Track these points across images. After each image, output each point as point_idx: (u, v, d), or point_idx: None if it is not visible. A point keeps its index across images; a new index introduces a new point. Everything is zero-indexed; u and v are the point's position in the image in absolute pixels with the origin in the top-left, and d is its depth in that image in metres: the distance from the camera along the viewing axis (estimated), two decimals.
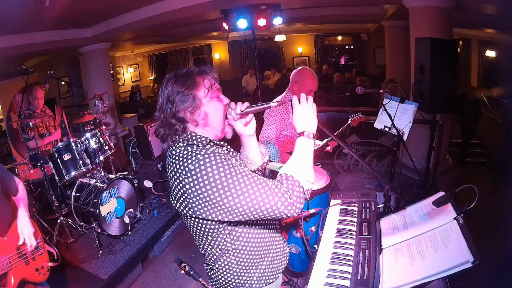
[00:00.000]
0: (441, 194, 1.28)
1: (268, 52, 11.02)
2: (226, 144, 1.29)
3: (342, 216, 1.68)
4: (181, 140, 1.15)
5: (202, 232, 1.17)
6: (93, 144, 3.21)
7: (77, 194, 3.14)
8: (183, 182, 1.05)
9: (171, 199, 1.20)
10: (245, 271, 1.24)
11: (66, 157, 3.04)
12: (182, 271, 1.45)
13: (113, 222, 3.14)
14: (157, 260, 3.24)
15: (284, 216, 1.04)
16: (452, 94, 2.88)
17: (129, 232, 3.23)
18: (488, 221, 3.11)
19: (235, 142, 1.33)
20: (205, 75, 1.16)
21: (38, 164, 3.04)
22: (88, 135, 3.21)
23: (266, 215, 1.03)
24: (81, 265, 2.83)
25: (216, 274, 1.27)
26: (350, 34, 10.22)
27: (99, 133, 3.30)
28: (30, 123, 3.24)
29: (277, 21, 4.56)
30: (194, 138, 1.14)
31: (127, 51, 10.36)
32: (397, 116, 2.78)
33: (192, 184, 1.03)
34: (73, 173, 3.06)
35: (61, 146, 3.06)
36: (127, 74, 10.95)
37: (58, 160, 3.01)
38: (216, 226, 1.15)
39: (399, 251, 1.27)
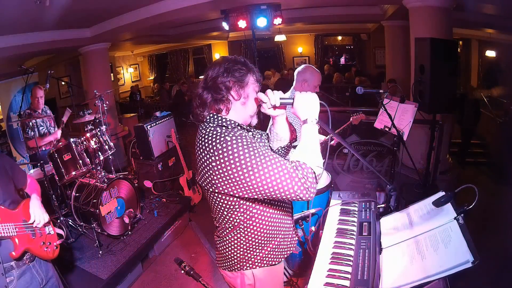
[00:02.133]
0: (441, 194, 1.28)
1: (268, 52, 11.02)
2: (253, 129, 1.37)
3: (342, 216, 1.68)
4: (211, 120, 1.24)
5: (219, 206, 1.27)
6: (93, 144, 3.20)
7: (77, 194, 3.14)
8: (210, 160, 1.15)
9: (196, 176, 1.29)
10: (251, 249, 1.32)
11: (66, 157, 3.04)
12: (182, 271, 1.45)
13: (113, 222, 3.14)
14: (157, 260, 3.24)
15: (299, 199, 1.09)
16: (452, 94, 2.88)
17: (129, 232, 3.23)
18: (488, 221, 3.11)
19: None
20: (255, 71, 1.29)
21: (38, 164, 3.04)
22: (88, 135, 3.21)
23: (283, 196, 1.09)
24: (81, 265, 2.83)
25: (224, 247, 1.36)
26: (350, 34, 10.22)
27: (99, 133, 3.30)
28: (30, 123, 3.24)
29: (277, 21, 4.56)
30: (224, 120, 1.24)
31: (127, 51, 10.36)
32: (397, 116, 2.78)
33: (218, 162, 1.12)
34: (73, 173, 3.06)
35: (61, 146, 3.06)
36: (127, 74, 10.95)
37: (58, 160, 3.01)
38: (233, 203, 1.24)
39: (399, 251, 1.27)
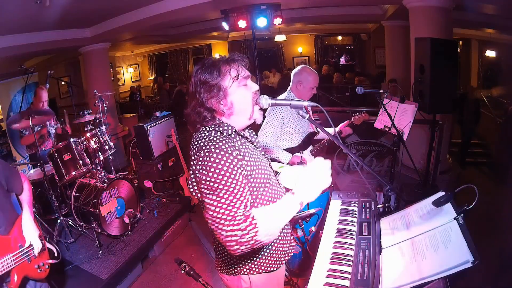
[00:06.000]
0: (441, 194, 1.28)
1: (268, 52, 11.01)
2: (250, 132, 1.33)
3: (342, 216, 1.68)
4: (208, 125, 1.20)
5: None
6: (93, 144, 3.20)
7: (77, 194, 3.14)
8: (193, 162, 1.15)
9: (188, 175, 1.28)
10: (246, 254, 1.26)
11: (66, 157, 3.04)
12: (182, 271, 1.45)
13: (113, 222, 3.14)
14: (157, 260, 3.24)
15: (223, 242, 1.06)
16: (452, 94, 2.88)
17: (129, 232, 3.23)
18: (488, 221, 3.11)
19: None
20: (232, 63, 1.18)
21: (38, 164, 3.04)
22: (88, 135, 3.21)
23: (214, 228, 1.07)
24: (81, 265, 2.83)
25: (221, 251, 1.34)
26: (350, 34, 10.22)
27: (99, 133, 3.30)
28: (30, 124, 3.22)
29: (277, 21, 4.56)
30: (220, 125, 1.19)
31: (127, 51, 10.37)
32: (397, 116, 2.78)
33: (198, 168, 1.11)
34: (73, 173, 3.06)
35: (61, 146, 3.06)
36: (127, 74, 10.96)
37: (58, 160, 3.01)
38: None
39: (399, 251, 1.27)
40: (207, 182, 1.08)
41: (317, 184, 1.14)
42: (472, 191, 1.16)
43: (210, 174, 1.07)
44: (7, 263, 1.52)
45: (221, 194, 1.06)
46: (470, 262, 0.98)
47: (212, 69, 1.16)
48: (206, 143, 1.11)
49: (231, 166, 1.08)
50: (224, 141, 1.11)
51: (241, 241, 1.03)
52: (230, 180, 1.07)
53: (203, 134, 1.16)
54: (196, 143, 1.16)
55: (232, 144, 1.13)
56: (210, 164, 1.07)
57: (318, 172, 1.14)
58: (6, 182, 1.67)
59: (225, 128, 1.18)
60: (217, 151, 1.08)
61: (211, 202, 1.07)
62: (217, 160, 1.07)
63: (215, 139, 1.12)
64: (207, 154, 1.09)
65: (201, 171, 1.10)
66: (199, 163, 1.10)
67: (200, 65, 1.19)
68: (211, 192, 1.08)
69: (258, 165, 1.22)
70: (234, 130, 1.20)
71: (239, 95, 1.19)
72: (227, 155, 1.08)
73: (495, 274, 2.38)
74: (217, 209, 1.06)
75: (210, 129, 1.18)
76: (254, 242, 1.04)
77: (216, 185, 1.07)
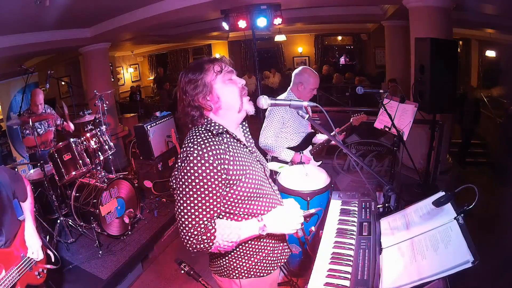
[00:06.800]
0: (441, 194, 1.28)
1: (268, 52, 11.01)
2: (247, 136, 1.35)
3: (342, 216, 1.67)
4: (199, 124, 1.22)
5: None
6: (93, 144, 3.21)
7: (77, 194, 3.14)
8: (179, 163, 1.17)
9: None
10: (235, 258, 1.29)
11: (66, 157, 3.04)
12: (182, 271, 1.45)
13: (113, 222, 3.14)
14: (157, 260, 3.24)
15: (183, 241, 1.14)
16: (452, 94, 2.88)
17: (129, 232, 3.23)
18: (488, 221, 3.11)
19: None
20: (215, 62, 1.21)
21: (38, 164, 3.04)
22: (88, 135, 3.21)
23: (179, 228, 1.15)
24: (81, 265, 2.83)
25: (211, 254, 1.36)
26: (350, 34, 10.22)
27: (99, 133, 3.30)
28: (30, 123, 3.22)
29: (277, 21, 4.56)
30: (211, 124, 1.20)
31: (127, 51, 10.35)
32: (397, 116, 2.78)
33: (180, 167, 1.15)
34: (73, 173, 3.06)
35: (61, 146, 3.06)
36: (127, 74, 10.95)
37: (58, 160, 3.01)
38: None
39: (399, 251, 1.27)
40: (182, 185, 1.12)
41: (285, 225, 1.23)
42: (472, 191, 1.15)
43: (186, 177, 1.11)
44: (13, 276, 1.53)
45: (190, 199, 1.11)
46: (470, 262, 0.98)
47: (195, 68, 1.20)
48: (192, 145, 1.13)
49: (208, 177, 1.10)
50: (210, 147, 1.11)
51: (195, 246, 1.12)
52: (202, 189, 1.10)
53: (192, 134, 1.18)
54: (186, 142, 1.18)
55: (218, 151, 1.12)
56: (188, 168, 1.10)
57: (292, 217, 1.24)
58: (13, 194, 1.69)
59: (215, 127, 1.19)
60: (198, 158, 1.10)
61: (180, 204, 1.13)
62: (195, 168, 1.09)
63: (201, 142, 1.12)
64: (189, 157, 1.11)
65: (179, 171, 1.14)
66: (182, 164, 1.13)
67: (184, 69, 1.24)
68: (182, 195, 1.12)
69: (249, 172, 1.21)
70: (225, 130, 1.20)
71: (225, 89, 1.21)
72: (207, 164, 1.09)
73: (495, 274, 2.38)
74: (182, 213, 1.12)
75: (202, 129, 1.19)
76: (204, 250, 1.14)
77: (187, 189, 1.11)
